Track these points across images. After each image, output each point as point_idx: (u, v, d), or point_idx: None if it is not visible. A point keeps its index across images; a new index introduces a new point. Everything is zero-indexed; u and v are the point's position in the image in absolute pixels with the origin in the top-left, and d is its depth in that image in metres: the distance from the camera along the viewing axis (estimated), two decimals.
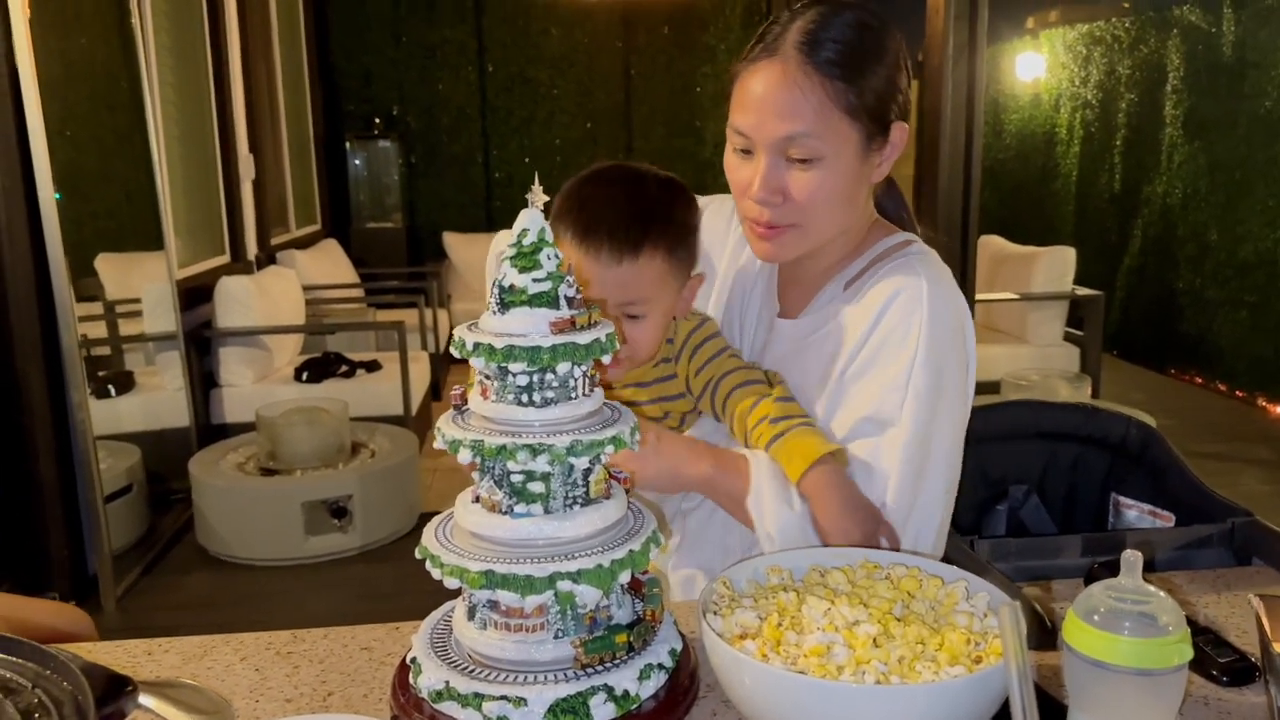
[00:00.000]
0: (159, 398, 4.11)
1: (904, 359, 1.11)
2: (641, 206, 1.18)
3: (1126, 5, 7.62)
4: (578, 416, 0.87)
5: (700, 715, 0.89)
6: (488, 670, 0.86)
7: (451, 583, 0.84)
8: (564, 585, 0.82)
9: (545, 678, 0.84)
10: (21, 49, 2.96)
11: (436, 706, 0.85)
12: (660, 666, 0.88)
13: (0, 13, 2.92)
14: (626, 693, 0.85)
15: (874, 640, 0.79)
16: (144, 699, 0.82)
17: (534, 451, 0.83)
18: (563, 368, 0.85)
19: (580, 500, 0.87)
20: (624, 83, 7.77)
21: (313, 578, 3.52)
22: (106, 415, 3.65)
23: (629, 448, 0.87)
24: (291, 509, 3.58)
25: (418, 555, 0.88)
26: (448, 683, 0.84)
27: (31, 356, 3.08)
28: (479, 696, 0.83)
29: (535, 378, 0.85)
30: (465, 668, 0.87)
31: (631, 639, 0.88)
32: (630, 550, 0.86)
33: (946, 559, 1.10)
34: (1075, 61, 7.34)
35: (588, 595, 0.84)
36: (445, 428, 0.87)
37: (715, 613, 0.87)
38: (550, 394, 0.86)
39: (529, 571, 0.82)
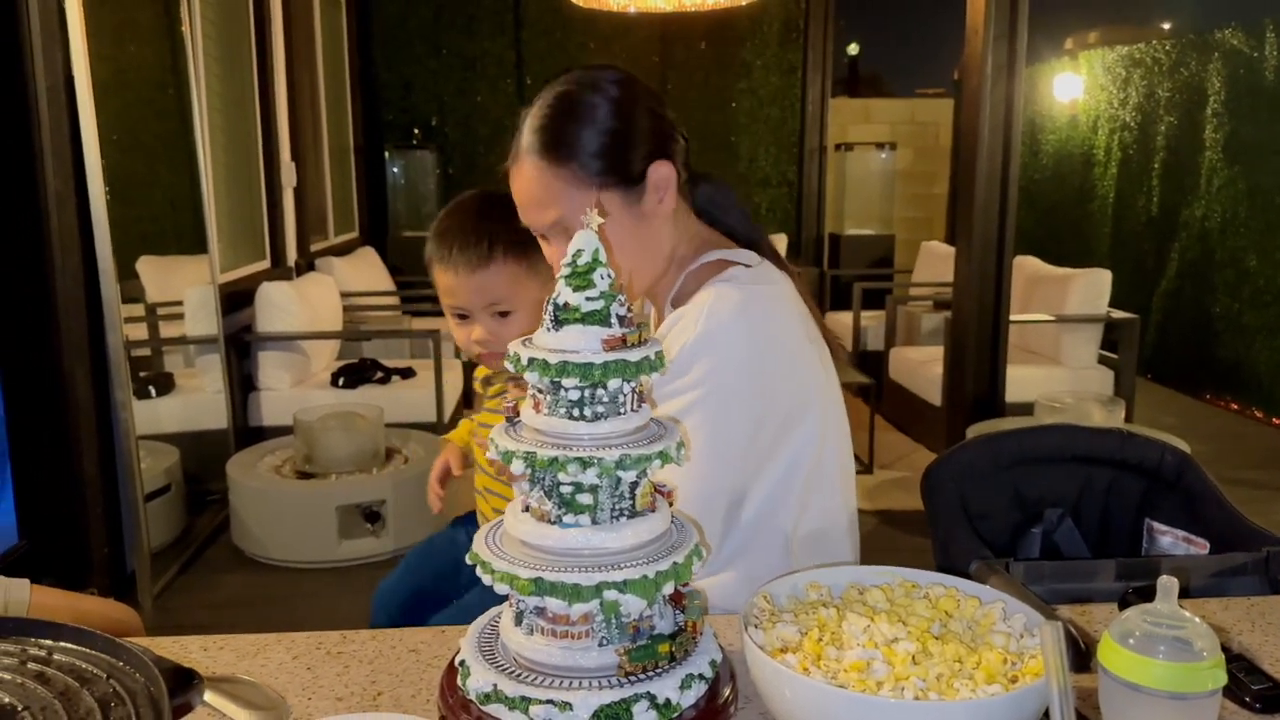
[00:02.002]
0: (198, 399, 4.19)
1: (686, 382, 1.19)
2: (486, 224, 1.44)
3: (1167, 27, 7.59)
4: (626, 431, 0.90)
5: None
6: (534, 674, 0.89)
7: (501, 589, 0.87)
8: (610, 594, 0.85)
9: (590, 684, 0.87)
10: (78, 57, 3.04)
11: (484, 708, 0.88)
12: (701, 677, 0.91)
13: (59, 21, 3.00)
14: (668, 701, 0.87)
15: (913, 657, 0.81)
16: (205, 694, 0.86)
17: (584, 464, 0.86)
18: (613, 384, 0.88)
19: (626, 513, 0.90)
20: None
21: (345, 581, 3.56)
22: (146, 416, 3.72)
23: (675, 463, 0.90)
24: (326, 512, 3.63)
25: (468, 561, 0.91)
26: (495, 685, 0.87)
27: (78, 356, 3.15)
28: (525, 700, 0.85)
29: (586, 393, 0.88)
30: (512, 671, 0.89)
31: (673, 649, 0.90)
32: (674, 563, 0.89)
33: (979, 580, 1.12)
34: (1114, 83, 7.31)
35: (632, 605, 0.86)
36: (499, 439, 0.90)
37: (756, 626, 0.90)
38: (600, 409, 0.89)
39: (576, 580, 0.85)
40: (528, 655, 0.90)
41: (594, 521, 0.89)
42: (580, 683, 0.87)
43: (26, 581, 1.45)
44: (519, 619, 0.91)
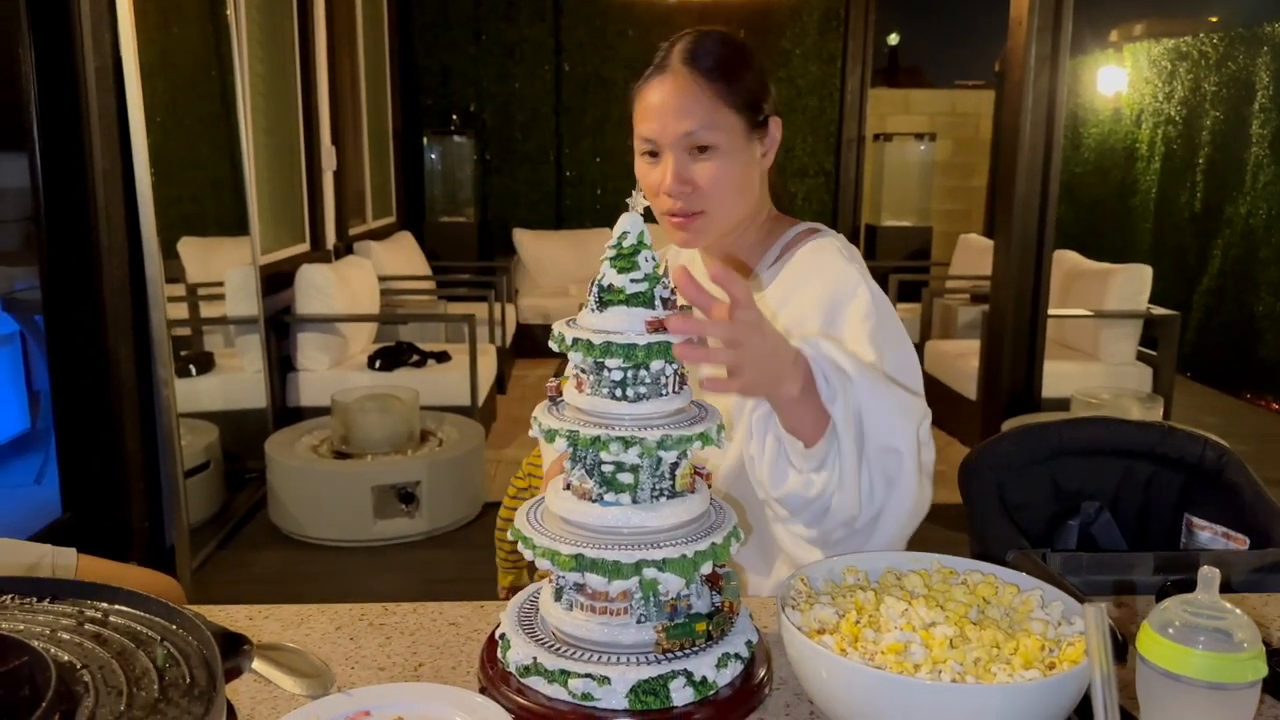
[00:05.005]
0: (238, 379, 4.24)
1: (859, 307, 1.27)
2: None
3: (1215, 20, 7.46)
4: (668, 412, 0.91)
5: (773, 707, 0.92)
6: (573, 649, 0.90)
7: (543, 564, 0.88)
8: (649, 572, 0.86)
9: (628, 659, 0.88)
10: (126, 39, 3.08)
11: (523, 681, 0.89)
12: (737, 656, 0.92)
13: (108, 4, 3.04)
14: (705, 679, 0.88)
15: (950, 641, 0.81)
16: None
17: (626, 444, 0.87)
18: (656, 365, 0.89)
19: (666, 492, 0.91)
20: None
21: (379, 560, 3.61)
22: (186, 394, 3.78)
23: (715, 444, 0.91)
24: (361, 492, 3.68)
25: (510, 536, 0.93)
26: (535, 659, 0.89)
27: (122, 334, 3.20)
28: (565, 673, 0.87)
29: (629, 373, 0.89)
30: (552, 645, 0.91)
31: (710, 628, 0.91)
32: (712, 543, 0.90)
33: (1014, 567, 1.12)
34: (1159, 77, 7.20)
35: (671, 583, 0.88)
36: (542, 418, 0.91)
37: (794, 607, 0.90)
38: (643, 389, 0.90)
39: (617, 557, 0.86)
40: (567, 630, 0.91)
41: (634, 500, 0.90)
42: (618, 658, 0.88)
43: (73, 550, 1.49)
44: (559, 594, 0.93)
